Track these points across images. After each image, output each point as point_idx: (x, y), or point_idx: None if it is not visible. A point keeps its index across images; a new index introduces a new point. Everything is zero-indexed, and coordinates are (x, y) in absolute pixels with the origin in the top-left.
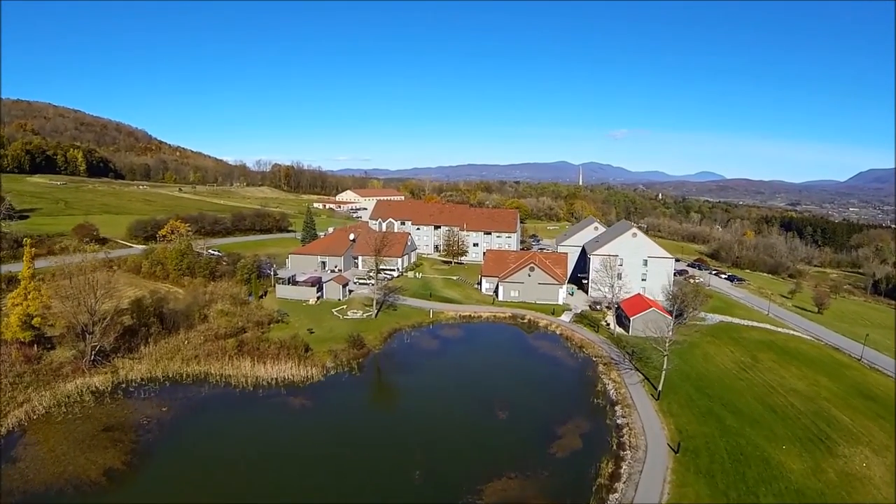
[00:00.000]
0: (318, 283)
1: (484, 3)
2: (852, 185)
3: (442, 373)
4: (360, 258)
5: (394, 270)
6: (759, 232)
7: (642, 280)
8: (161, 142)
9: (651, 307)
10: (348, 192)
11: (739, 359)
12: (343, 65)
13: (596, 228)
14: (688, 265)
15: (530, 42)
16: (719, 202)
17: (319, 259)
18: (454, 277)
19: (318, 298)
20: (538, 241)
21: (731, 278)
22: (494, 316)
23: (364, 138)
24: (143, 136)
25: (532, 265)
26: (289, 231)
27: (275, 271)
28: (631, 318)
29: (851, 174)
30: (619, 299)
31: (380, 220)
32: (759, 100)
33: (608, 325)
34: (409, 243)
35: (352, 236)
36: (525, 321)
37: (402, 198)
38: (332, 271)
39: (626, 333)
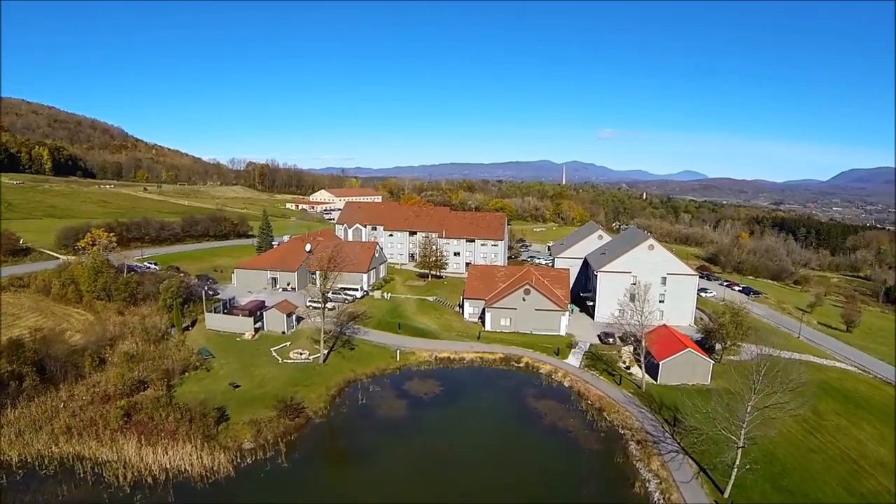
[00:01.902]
0: (258, 311)
1: (468, 2)
2: (835, 184)
3: (408, 463)
4: (317, 274)
5: (357, 290)
6: (753, 233)
7: (660, 302)
8: (137, 139)
9: (686, 347)
10: (322, 191)
11: (799, 413)
12: (328, 64)
13: (600, 237)
14: None
15: (512, 42)
16: (704, 201)
17: (269, 274)
18: (430, 298)
19: (256, 331)
20: (527, 246)
21: (746, 291)
22: (481, 358)
23: (348, 137)
24: (119, 133)
25: (527, 286)
26: (248, 236)
27: (213, 291)
28: (660, 363)
29: (833, 174)
30: (642, 332)
31: (345, 225)
32: (741, 100)
33: (628, 368)
34: (377, 255)
35: (308, 247)
36: (521, 365)
37: (380, 198)
38: (284, 290)
39: (653, 382)
